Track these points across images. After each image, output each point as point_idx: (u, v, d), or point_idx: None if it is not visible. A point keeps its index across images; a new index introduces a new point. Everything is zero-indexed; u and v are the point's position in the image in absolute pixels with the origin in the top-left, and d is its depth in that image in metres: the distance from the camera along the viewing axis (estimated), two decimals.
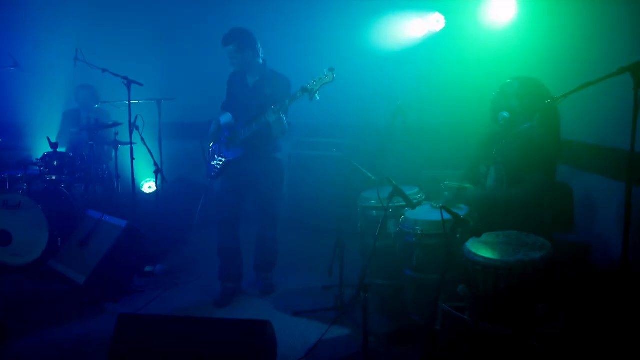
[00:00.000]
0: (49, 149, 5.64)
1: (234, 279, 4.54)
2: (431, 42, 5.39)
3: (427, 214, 3.46)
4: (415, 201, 3.85)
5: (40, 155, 5.66)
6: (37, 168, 5.42)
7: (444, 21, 5.78)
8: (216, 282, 4.69)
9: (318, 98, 3.95)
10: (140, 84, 5.16)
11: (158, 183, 5.78)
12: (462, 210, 3.43)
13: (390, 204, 3.84)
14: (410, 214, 3.49)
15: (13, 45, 5.56)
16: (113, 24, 6.44)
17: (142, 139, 5.45)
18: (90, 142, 5.47)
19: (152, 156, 5.66)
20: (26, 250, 5.17)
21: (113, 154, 5.75)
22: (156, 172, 5.88)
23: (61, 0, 6.28)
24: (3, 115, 6.60)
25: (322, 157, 6.10)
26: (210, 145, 4.65)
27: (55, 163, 5.39)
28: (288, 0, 6.10)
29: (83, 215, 5.43)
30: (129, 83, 5.15)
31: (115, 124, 5.70)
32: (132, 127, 5.57)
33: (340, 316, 4.11)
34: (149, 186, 7.10)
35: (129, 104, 5.17)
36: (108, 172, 5.94)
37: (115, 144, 5.70)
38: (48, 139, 5.39)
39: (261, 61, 4.42)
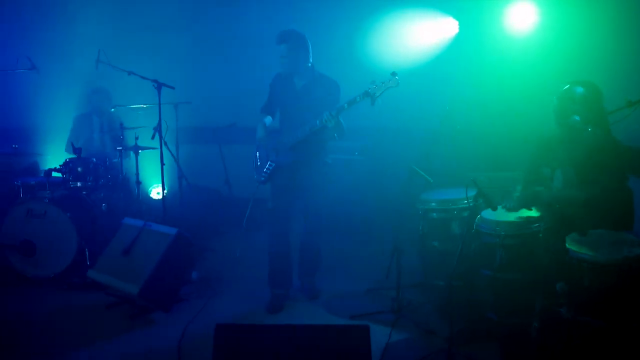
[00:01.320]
0: (60, 154, 5.46)
1: (283, 285, 4.48)
2: (466, 47, 5.53)
3: (506, 215, 3.53)
4: (472, 204, 3.94)
5: (52, 161, 5.46)
6: (60, 175, 5.18)
7: (457, 26, 6.00)
8: (255, 288, 4.67)
9: (379, 102, 3.96)
10: (172, 87, 5.03)
11: (182, 188, 5.66)
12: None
13: (453, 206, 3.94)
14: (489, 215, 3.55)
15: (29, 47, 5.30)
16: (129, 26, 6.23)
17: (165, 144, 5.33)
18: (118, 147, 5.27)
19: (176, 161, 5.54)
20: (51, 261, 4.95)
21: (133, 158, 5.60)
22: (180, 178, 5.77)
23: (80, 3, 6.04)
24: (13, 120, 6.26)
25: (344, 161, 6.08)
26: (256, 150, 4.57)
27: (79, 169, 5.17)
28: (315, 5, 6.06)
29: (109, 223, 5.27)
30: (159, 86, 5.00)
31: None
32: (156, 131, 5.44)
33: (398, 318, 4.13)
34: (157, 192, 6.91)
35: (159, 107, 5.02)
36: (127, 177, 5.75)
37: (136, 148, 5.54)
38: (72, 144, 5.17)
39: (310, 64, 4.38)
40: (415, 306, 4.32)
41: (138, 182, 5.56)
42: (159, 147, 5.42)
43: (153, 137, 5.51)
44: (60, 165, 5.18)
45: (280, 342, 2.99)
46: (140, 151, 5.54)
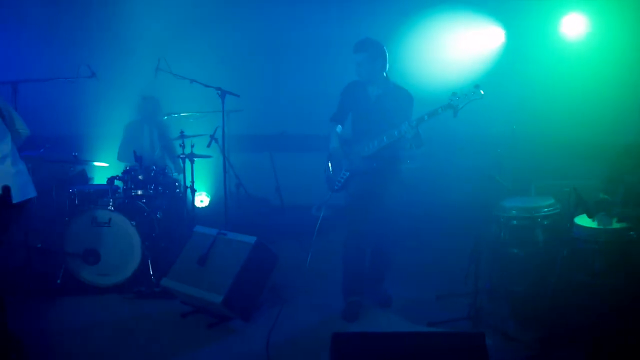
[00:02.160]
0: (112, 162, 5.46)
1: (358, 293, 4.48)
2: (516, 55, 5.61)
3: (603, 222, 3.58)
4: (551, 212, 4.01)
5: (101, 169, 5.45)
6: (121, 183, 5.17)
7: (503, 35, 6.09)
8: (324, 295, 4.71)
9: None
10: (237, 95, 5.04)
11: (239, 196, 5.65)
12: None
13: (536, 214, 3.99)
14: (584, 222, 3.60)
15: (90, 55, 5.29)
16: (184, 34, 6.20)
17: (223, 152, 5.32)
18: (181, 155, 5.26)
19: (232, 169, 5.54)
20: (115, 269, 4.92)
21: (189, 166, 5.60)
22: (237, 186, 5.77)
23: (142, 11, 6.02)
24: (68, 127, 6.18)
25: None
26: (327, 159, 4.59)
27: (140, 177, 5.15)
28: (373, 18, 6.10)
29: (165, 231, 5.25)
30: (223, 94, 5.01)
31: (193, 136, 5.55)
32: (212, 139, 5.46)
33: (477, 325, 4.15)
34: (200, 199, 6.88)
35: (223, 115, 5.03)
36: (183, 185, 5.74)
37: (192, 156, 5.53)
38: (134, 152, 5.15)
39: (385, 74, 4.42)
40: (490, 312, 4.36)
41: (193, 190, 5.55)
42: (213, 155, 5.42)
43: (209, 145, 5.53)
44: (122, 173, 5.16)
45: (397, 349, 3.00)
46: (195, 159, 5.55)
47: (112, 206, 4.90)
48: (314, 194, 6.32)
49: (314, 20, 6.26)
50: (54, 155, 5.22)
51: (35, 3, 5.90)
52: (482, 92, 3.91)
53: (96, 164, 5.66)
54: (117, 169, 5.57)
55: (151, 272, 4.98)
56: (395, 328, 4.18)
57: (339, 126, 4.58)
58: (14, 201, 3.56)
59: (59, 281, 4.93)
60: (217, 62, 6.15)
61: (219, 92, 4.99)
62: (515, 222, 4.14)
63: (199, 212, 6.69)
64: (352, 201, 4.46)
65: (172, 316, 4.40)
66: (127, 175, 5.14)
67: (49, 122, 5.47)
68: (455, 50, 6.40)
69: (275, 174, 6.21)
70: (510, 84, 5.54)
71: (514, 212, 4.14)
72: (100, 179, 6.17)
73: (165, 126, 6.13)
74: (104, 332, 4.18)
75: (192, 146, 5.52)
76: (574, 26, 5.58)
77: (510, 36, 5.96)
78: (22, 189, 3.65)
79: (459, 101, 3.94)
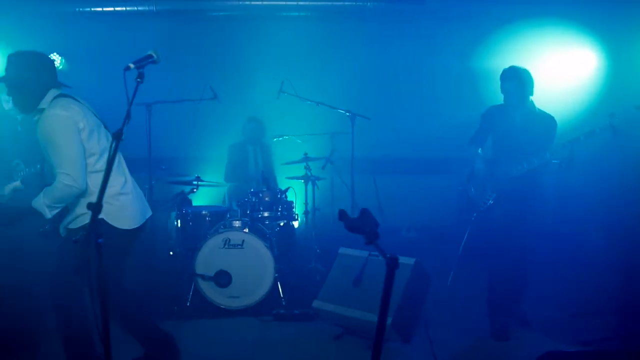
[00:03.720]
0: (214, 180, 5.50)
1: (505, 313, 4.52)
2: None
3: None
4: None
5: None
6: (249, 204, 5.15)
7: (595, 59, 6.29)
8: (462, 314, 4.81)
9: None
10: (368, 118, 5.10)
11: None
12: None
13: None
14: None
15: (213, 78, 5.29)
16: (287, 56, 6.25)
17: (352, 174, 5.35)
18: (312, 177, 5.27)
19: (352, 192, 5.57)
20: (246, 292, 4.87)
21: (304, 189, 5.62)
22: (352, 208, 5.78)
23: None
24: (178, 148, 6.11)
25: None
26: (467, 181, 4.68)
27: (267, 199, 5.14)
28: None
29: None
30: (352, 116, 5.08)
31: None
32: (327, 161, 5.50)
33: (628, 343, 4.22)
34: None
35: (352, 137, 5.08)
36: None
37: (307, 178, 5.55)
38: (262, 173, 5.15)
39: (531, 99, 4.54)
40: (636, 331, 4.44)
41: (308, 212, 5.55)
42: (328, 177, 5.45)
43: (324, 167, 5.56)
44: (250, 194, 5.15)
45: None
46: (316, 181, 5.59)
47: (248, 227, 4.87)
48: (414, 215, 6.42)
49: (409, 49, 6.38)
50: (177, 176, 5.18)
51: (167, 30, 5.90)
52: None
53: (203, 183, 5.63)
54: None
55: (281, 294, 4.95)
56: (549, 347, 4.17)
57: (480, 149, 4.67)
58: (140, 224, 3.47)
59: (188, 303, 4.86)
60: (321, 85, 6.18)
61: (349, 114, 5.05)
62: None
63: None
64: (498, 225, 4.52)
65: (324, 338, 4.36)
66: (255, 197, 5.12)
67: (165, 142, 5.42)
68: (543, 74, 6.52)
69: (377, 196, 6.25)
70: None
71: None
72: (198, 201, 6.13)
73: (268, 148, 6.14)
74: (266, 355, 4.14)
75: (308, 169, 5.55)
76: None
77: (608, 61, 6.13)
78: (145, 210, 3.57)
79: (619, 121, 4.05)
